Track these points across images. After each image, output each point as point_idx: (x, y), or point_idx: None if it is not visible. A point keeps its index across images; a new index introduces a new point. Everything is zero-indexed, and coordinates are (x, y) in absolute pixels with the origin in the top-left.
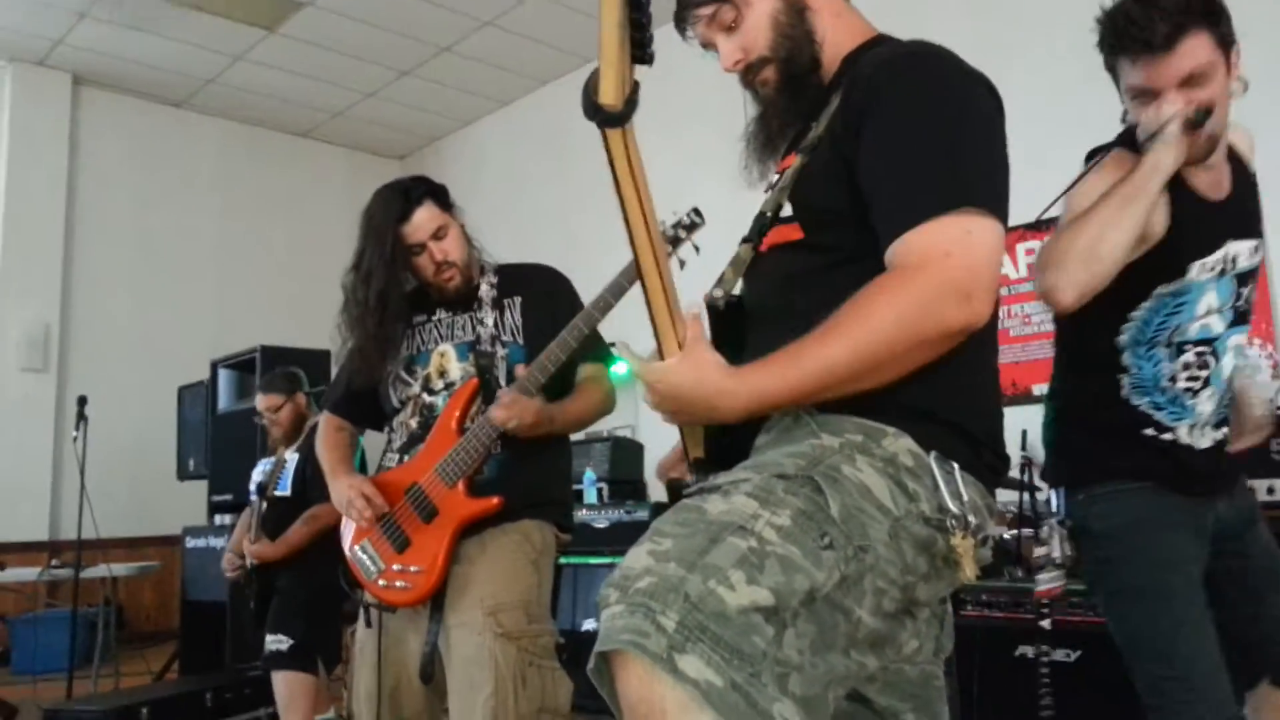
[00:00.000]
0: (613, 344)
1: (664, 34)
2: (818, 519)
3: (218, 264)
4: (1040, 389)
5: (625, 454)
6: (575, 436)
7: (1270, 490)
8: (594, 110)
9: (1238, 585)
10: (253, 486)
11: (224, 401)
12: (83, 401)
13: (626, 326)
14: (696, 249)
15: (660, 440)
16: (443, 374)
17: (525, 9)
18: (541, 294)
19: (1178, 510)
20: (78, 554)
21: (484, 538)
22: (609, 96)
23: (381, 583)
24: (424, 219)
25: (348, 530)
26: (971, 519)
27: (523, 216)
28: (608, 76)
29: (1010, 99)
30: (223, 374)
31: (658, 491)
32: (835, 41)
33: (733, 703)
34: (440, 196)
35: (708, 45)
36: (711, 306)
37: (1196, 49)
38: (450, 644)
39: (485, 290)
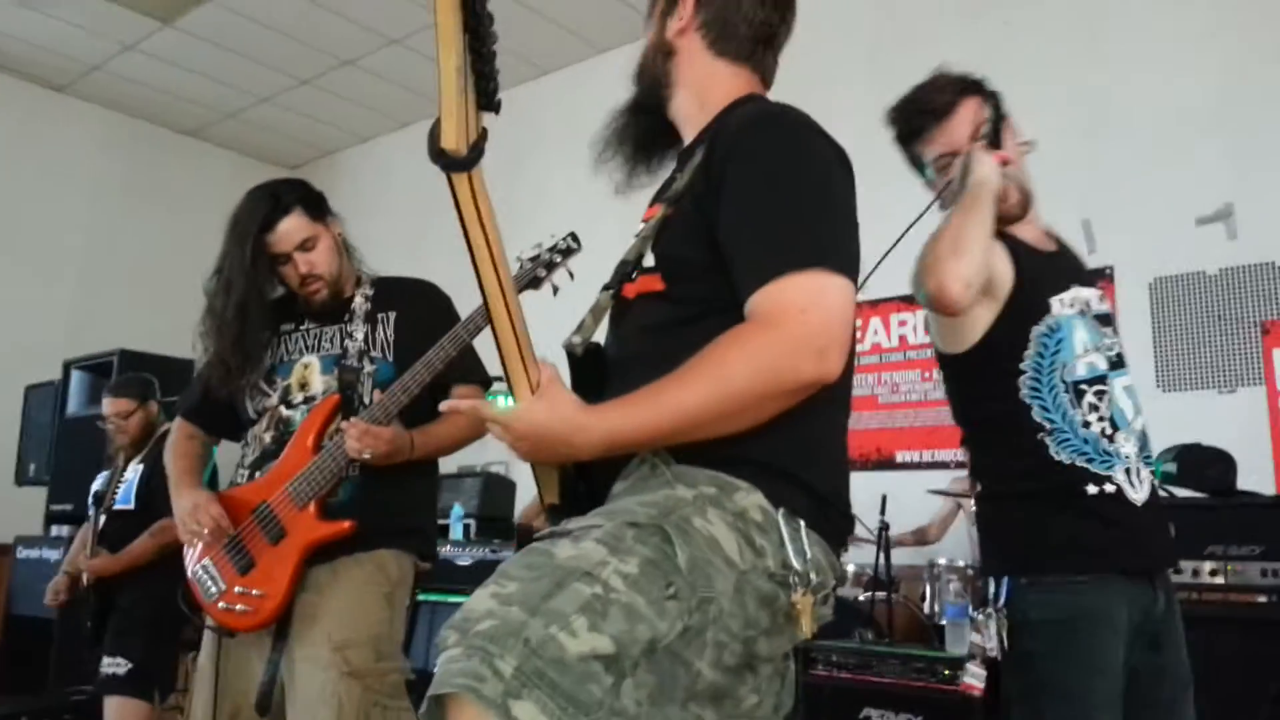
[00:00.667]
0: (497, 378)
1: (573, 73)
2: (664, 568)
3: (82, 258)
4: (903, 455)
5: (496, 491)
6: (446, 468)
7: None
8: (437, 155)
9: (1151, 696)
10: (90, 498)
11: (74, 405)
12: None
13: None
14: (571, 275)
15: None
16: (304, 386)
17: (431, 33)
18: (418, 310)
19: (1118, 602)
20: None
21: (335, 566)
22: (450, 142)
23: (222, 605)
24: (290, 228)
25: (192, 548)
26: (814, 576)
27: (422, 236)
28: (449, 123)
29: (888, 177)
30: (75, 375)
31: (527, 534)
32: (702, 98)
33: None
34: (312, 205)
35: None
36: (570, 353)
37: (975, 108)
38: (294, 677)
39: (359, 303)
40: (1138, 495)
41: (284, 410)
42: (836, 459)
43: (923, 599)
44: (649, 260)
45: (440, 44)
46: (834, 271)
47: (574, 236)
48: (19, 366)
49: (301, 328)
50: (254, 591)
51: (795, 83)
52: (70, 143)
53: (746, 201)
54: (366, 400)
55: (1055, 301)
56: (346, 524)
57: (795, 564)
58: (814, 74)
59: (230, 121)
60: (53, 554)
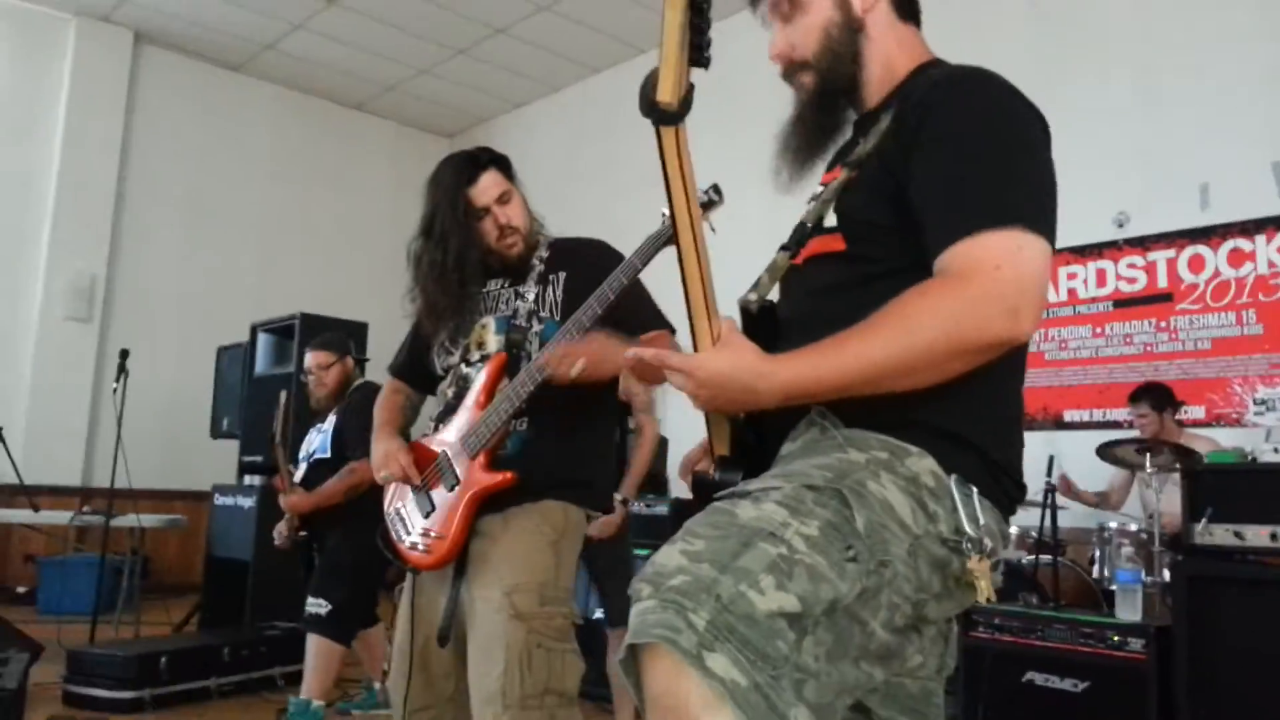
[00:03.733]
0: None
1: (720, 32)
2: (844, 531)
3: (262, 229)
4: (1072, 415)
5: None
6: None
7: None
8: (650, 108)
9: None
10: (303, 453)
11: (261, 364)
12: (124, 354)
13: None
14: (713, 229)
15: (686, 438)
16: (481, 345)
17: None
18: (587, 270)
19: None
20: (110, 502)
21: (506, 515)
22: (666, 95)
23: (407, 544)
24: (489, 183)
25: (388, 492)
26: (987, 543)
27: (568, 202)
28: (666, 76)
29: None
30: (262, 337)
31: (679, 489)
32: (889, 64)
33: (754, 703)
34: (504, 165)
35: (765, 25)
36: (744, 309)
37: None
38: (473, 615)
39: (535, 264)
40: None
41: (464, 368)
42: (1011, 426)
43: (1091, 562)
44: (830, 221)
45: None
46: (1032, 231)
47: (716, 189)
48: (211, 330)
49: (485, 289)
50: (433, 533)
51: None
52: (248, 119)
53: (942, 158)
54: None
55: None
56: (508, 475)
57: (969, 529)
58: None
59: (391, 94)
60: (246, 501)
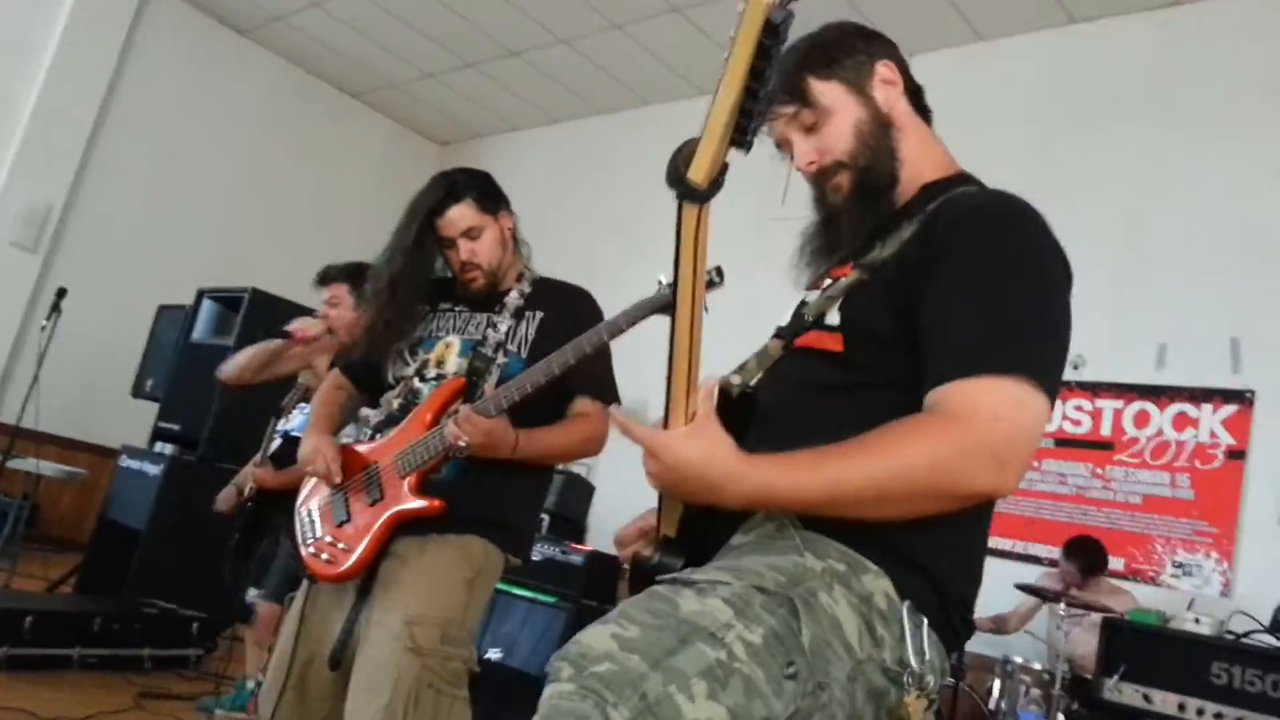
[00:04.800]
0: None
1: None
2: (787, 645)
3: (231, 196)
4: (994, 542)
5: (575, 492)
6: None
7: None
8: (679, 182)
9: None
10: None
11: (200, 331)
12: (61, 293)
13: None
14: (706, 309)
15: (613, 486)
16: (440, 364)
17: (602, 38)
18: (565, 317)
19: None
20: (11, 440)
21: (425, 541)
22: (699, 175)
23: (311, 550)
24: (457, 216)
25: (304, 488)
26: (929, 680)
27: (548, 233)
28: (704, 154)
29: None
30: (206, 304)
31: (597, 538)
32: (915, 168)
33: None
34: (487, 197)
35: (782, 144)
36: (724, 392)
37: None
38: (366, 637)
39: (513, 297)
40: None
41: (416, 382)
42: (972, 564)
43: (988, 693)
44: (833, 319)
45: (726, 77)
46: (1037, 388)
47: (719, 271)
48: (156, 286)
49: (456, 309)
50: (340, 544)
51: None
52: (243, 84)
53: (964, 286)
54: (489, 391)
55: None
56: (435, 503)
57: (913, 662)
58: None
59: (392, 90)
60: (154, 469)
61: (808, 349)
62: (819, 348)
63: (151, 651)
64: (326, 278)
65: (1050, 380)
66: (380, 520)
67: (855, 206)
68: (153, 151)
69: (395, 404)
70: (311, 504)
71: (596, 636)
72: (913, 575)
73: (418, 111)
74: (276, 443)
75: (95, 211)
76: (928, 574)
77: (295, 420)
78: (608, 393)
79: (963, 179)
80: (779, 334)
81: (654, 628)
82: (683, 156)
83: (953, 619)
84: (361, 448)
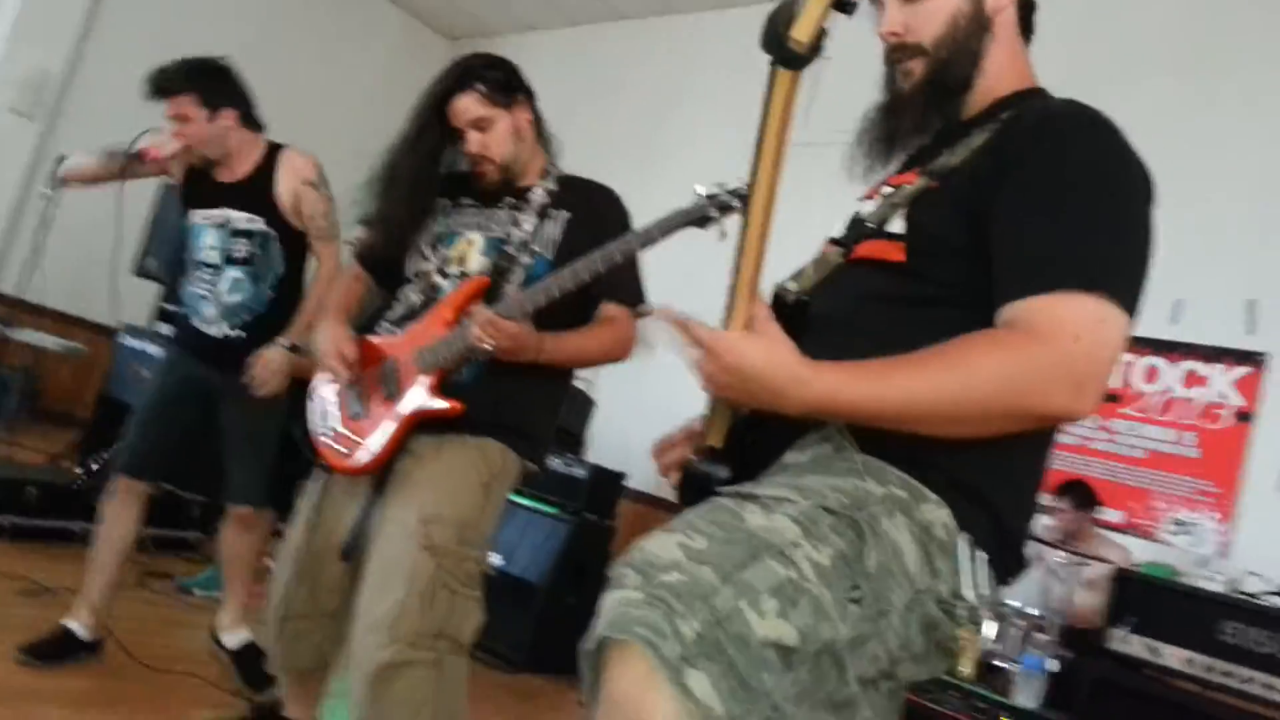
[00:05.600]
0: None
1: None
2: (854, 568)
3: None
4: None
5: (576, 406)
6: None
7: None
8: (778, 44)
9: None
10: None
11: None
12: (61, 160)
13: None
14: (724, 234)
15: (614, 404)
16: (461, 261)
17: None
18: (592, 217)
19: None
20: (11, 311)
21: (443, 441)
22: (803, 33)
23: (324, 439)
24: (464, 105)
25: (316, 378)
26: (982, 614)
27: (562, 143)
28: (809, 13)
29: None
30: None
31: (597, 453)
32: (996, 79)
33: None
34: (499, 88)
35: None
36: (779, 298)
37: None
38: (380, 535)
39: (537, 194)
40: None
41: (437, 278)
42: (1031, 495)
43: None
44: (895, 226)
45: None
46: (1119, 305)
47: (739, 194)
48: None
49: (477, 204)
50: (355, 438)
51: None
52: None
53: (1041, 197)
54: (511, 292)
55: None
56: (457, 405)
57: (969, 595)
58: None
59: None
60: (155, 349)
61: (868, 259)
62: (880, 258)
63: (154, 531)
64: (167, 89)
65: (1132, 298)
66: (400, 417)
67: (921, 100)
68: (156, 25)
69: (415, 300)
70: (326, 392)
71: (663, 545)
72: (972, 507)
73: (428, 3)
74: None
75: (98, 79)
76: (987, 506)
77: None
78: (636, 297)
79: (1037, 91)
80: (836, 241)
81: (722, 540)
82: (782, 17)
83: (1006, 554)
84: (379, 341)
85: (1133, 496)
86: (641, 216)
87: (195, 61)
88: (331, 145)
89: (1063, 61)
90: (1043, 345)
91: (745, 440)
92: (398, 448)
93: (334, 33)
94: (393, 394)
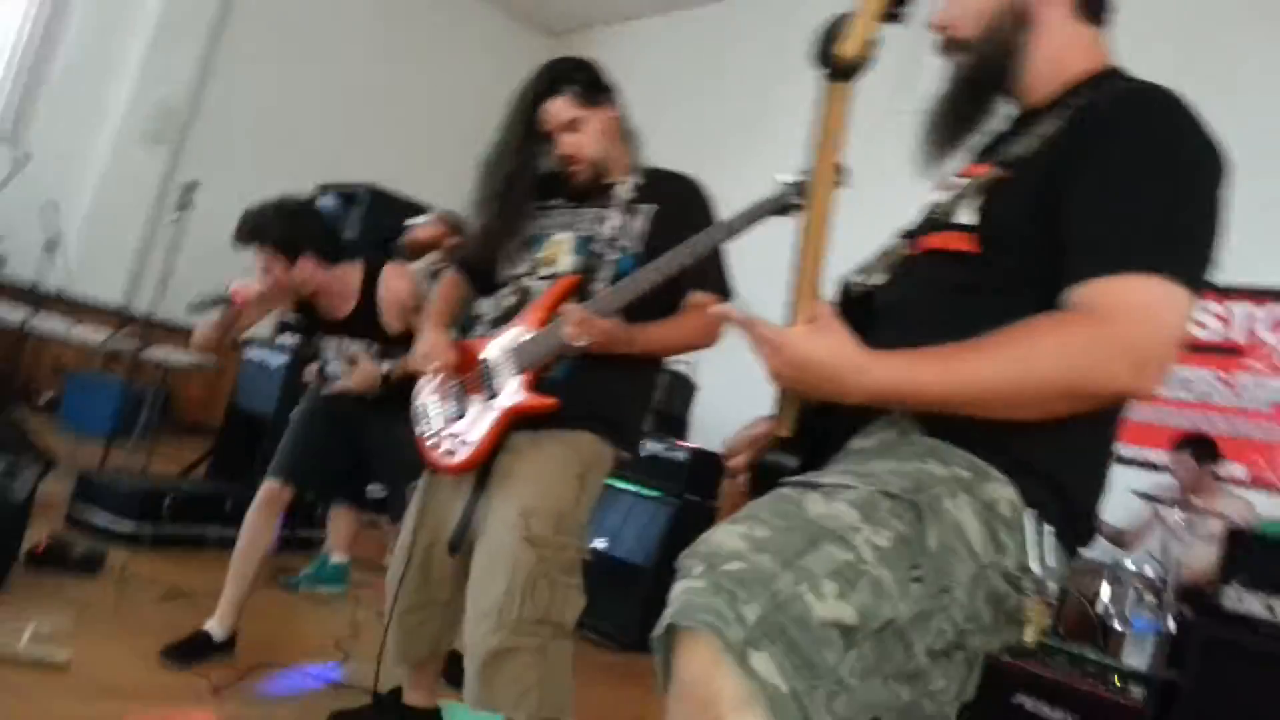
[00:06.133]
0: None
1: None
2: (914, 548)
3: (352, 89)
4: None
5: (678, 390)
6: None
7: None
8: (827, 59)
9: None
10: None
11: None
12: (191, 187)
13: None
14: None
15: (715, 386)
16: (552, 262)
17: None
18: (676, 208)
19: None
20: (145, 330)
21: (539, 436)
22: (850, 49)
23: (430, 442)
24: (557, 109)
25: (421, 383)
26: (1050, 586)
27: (664, 131)
28: (858, 29)
29: None
30: (325, 199)
31: (699, 436)
32: (1059, 61)
33: (789, 712)
34: (588, 88)
35: None
36: (845, 290)
37: None
38: (486, 529)
39: (623, 190)
40: None
41: (528, 280)
42: (1100, 471)
43: (1095, 596)
44: (968, 218)
45: None
46: (1185, 286)
47: (839, 168)
48: (279, 179)
49: (564, 205)
50: (461, 438)
51: None
52: None
53: (1108, 181)
54: (601, 289)
55: None
56: (550, 400)
57: (1035, 568)
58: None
59: None
60: (277, 359)
61: (937, 250)
62: (949, 248)
63: (280, 532)
64: (257, 238)
65: (1197, 279)
66: (497, 416)
67: (958, 94)
68: (276, 45)
69: (509, 301)
70: (428, 397)
71: (727, 535)
72: (1039, 484)
73: (528, 3)
74: None
75: (221, 105)
76: (1054, 483)
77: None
78: (722, 286)
79: (1110, 73)
80: (906, 233)
81: (783, 529)
82: (831, 32)
83: (1076, 528)
84: (475, 344)
85: (1257, 450)
86: (752, 195)
87: (271, 208)
88: (442, 149)
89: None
90: (1105, 326)
91: (815, 429)
92: (497, 445)
93: (440, 38)
94: (491, 394)
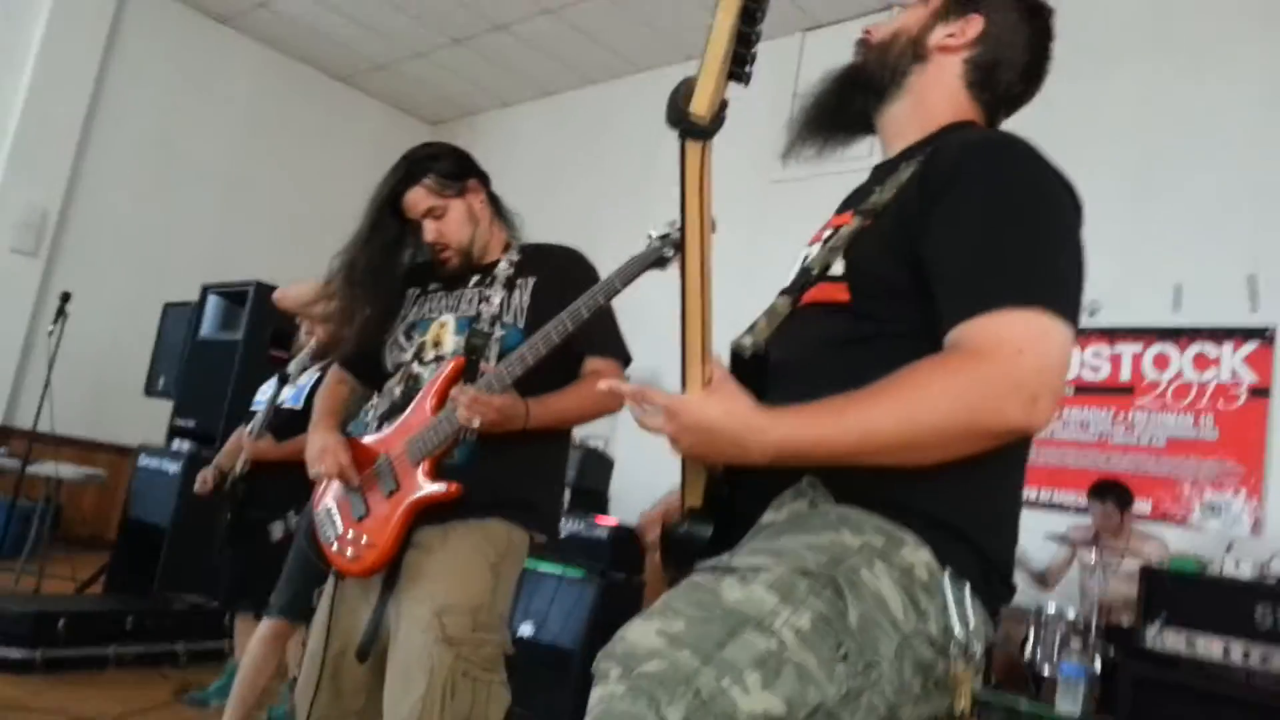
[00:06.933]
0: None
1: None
2: (835, 627)
3: (228, 189)
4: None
5: (594, 465)
6: None
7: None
8: (680, 118)
9: None
10: (261, 398)
11: (207, 328)
12: (65, 297)
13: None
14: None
15: (633, 459)
16: (437, 345)
17: (589, 5)
18: (555, 277)
19: None
20: (29, 446)
21: (446, 529)
22: (701, 107)
23: (335, 548)
24: (417, 199)
25: (319, 488)
26: (975, 647)
27: (546, 209)
28: (705, 86)
29: None
30: (211, 300)
31: (620, 510)
32: (928, 111)
33: None
34: (448, 174)
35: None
36: (737, 354)
37: None
38: (397, 632)
39: (502, 268)
40: None
41: (415, 366)
42: (1009, 520)
43: (1023, 643)
44: (837, 269)
45: (722, 1)
46: (1058, 316)
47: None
48: (160, 284)
49: (444, 288)
50: (363, 539)
51: None
52: (230, 74)
53: (970, 223)
54: (492, 365)
55: None
56: (454, 487)
57: (957, 632)
58: None
59: (381, 73)
60: (172, 466)
61: (816, 303)
62: (827, 300)
63: (186, 645)
64: None
65: (1070, 307)
66: (399, 511)
67: (828, 89)
68: (145, 148)
69: (397, 391)
70: (328, 501)
71: (642, 633)
72: (951, 540)
73: (408, 91)
74: (259, 418)
75: (92, 212)
76: (966, 538)
77: (285, 393)
78: (616, 349)
79: (965, 125)
80: (785, 291)
81: (700, 620)
82: (682, 93)
83: (993, 581)
84: (369, 439)
85: (1159, 486)
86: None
87: None
88: (327, 240)
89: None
90: (988, 363)
91: (724, 495)
92: (402, 541)
93: (320, 130)
94: (391, 490)
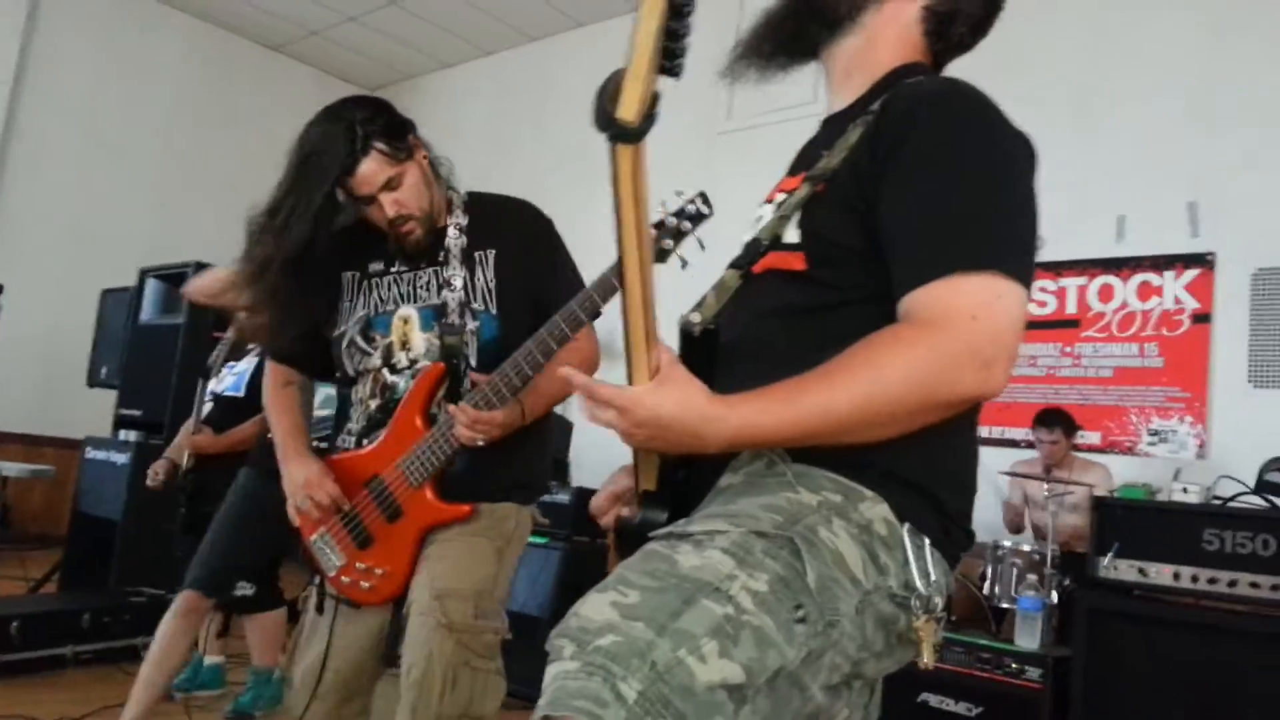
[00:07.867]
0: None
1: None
2: (794, 587)
3: (162, 167)
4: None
5: (555, 431)
6: None
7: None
8: (608, 122)
9: None
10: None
11: (148, 313)
12: None
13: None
14: (701, 245)
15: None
16: (405, 346)
17: None
18: (518, 246)
19: None
20: None
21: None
22: (628, 112)
23: (344, 579)
24: (371, 171)
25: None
26: (936, 601)
27: (494, 170)
28: (631, 90)
29: None
30: (150, 284)
31: (582, 474)
32: (875, 54)
33: None
34: (394, 135)
35: None
36: (685, 332)
37: None
38: (409, 620)
39: (453, 236)
40: None
41: (388, 375)
42: (967, 474)
43: (982, 579)
44: (791, 237)
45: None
46: (1010, 278)
47: (704, 198)
48: (97, 271)
49: (393, 270)
50: (377, 570)
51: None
52: (158, 48)
53: (920, 186)
54: (472, 362)
55: None
56: (466, 508)
57: (919, 585)
58: None
59: (315, 39)
60: (120, 457)
61: (770, 271)
62: (782, 268)
63: (145, 640)
64: None
65: (1023, 269)
66: (414, 536)
67: (775, 14)
68: (75, 130)
69: (373, 405)
70: (321, 531)
71: (595, 606)
72: (909, 495)
73: (344, 58)
74: (208, 406)
75: (22, 200)
76: (924, 491)
77: (226, 380)
78: (594, 311)
79: (910, 69)
80: (734, 264)
81: (655, 590)
82: (609, 93)
83: (953, 534)
84: (351, 459)
85: (1107, 415)
86: (587, 229)
87: None
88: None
89: None
90: (942, 333)
91: (676, 476)
92: (416, 564)
93: (255, 102)
94: (395, 515)
